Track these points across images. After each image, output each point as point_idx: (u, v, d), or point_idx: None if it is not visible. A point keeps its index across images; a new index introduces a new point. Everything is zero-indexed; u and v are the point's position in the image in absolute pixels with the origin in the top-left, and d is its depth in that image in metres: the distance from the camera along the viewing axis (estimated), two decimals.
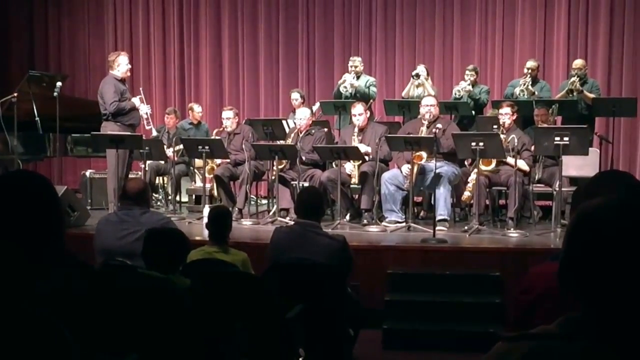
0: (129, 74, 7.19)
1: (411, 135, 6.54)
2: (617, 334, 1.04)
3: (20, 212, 1.79)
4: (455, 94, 8.20)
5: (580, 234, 1.11)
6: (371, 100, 8.16)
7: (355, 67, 8.28)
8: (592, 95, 7.68)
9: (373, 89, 8.25)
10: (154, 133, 8.22)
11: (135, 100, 7.07)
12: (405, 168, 6.57)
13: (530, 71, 8.00)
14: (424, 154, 6.50)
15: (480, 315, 5.12)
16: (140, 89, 7.91)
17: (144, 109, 7.28)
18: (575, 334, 1.04)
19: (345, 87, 8.18)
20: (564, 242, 1.14)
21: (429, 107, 6.75)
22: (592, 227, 1.09)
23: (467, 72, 8.30)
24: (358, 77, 8.27)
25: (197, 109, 9.10)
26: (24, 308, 1.58)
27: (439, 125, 6.53)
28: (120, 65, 6.97)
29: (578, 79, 7.74)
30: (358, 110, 7.03)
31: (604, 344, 1.02)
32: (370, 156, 6.84)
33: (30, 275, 1.73)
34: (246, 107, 10.36)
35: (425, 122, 6.70)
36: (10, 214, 1.79)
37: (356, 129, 7.03)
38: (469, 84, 8.15)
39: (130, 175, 7.21)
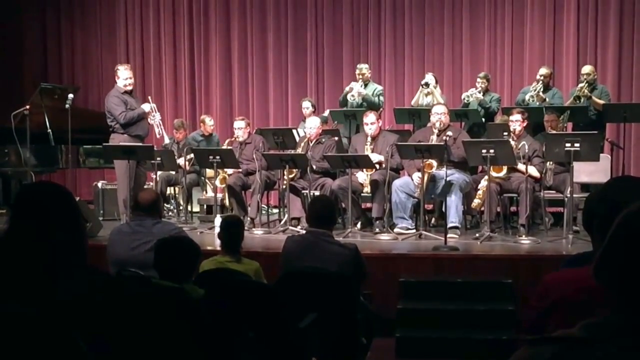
0: (130, 87, 7.05)
1: (422, 143, 6.53)
2: None
3: (45, 221, 1.83)
4: (464, 99, 8.18)
5: (624, 231, 1.10)
6: (381, 109, 8.15)
7: (363, 74, 8.26)
8: (601, 102, 7.65)
9: (381, 98, 8.22)
10: (167, 140, 8.09)
11: (145, 106, 7.08)
12: (416, 176, 6.57)
13: (542, 78, 7.97)
14: (434, 163, 6.50)
15: (492, 323, 5.10)
16: (149, 97, 7.70)
17: (156, 118, 7.25)
18: (598, 338, 1.04)
19: (352, 95, 8.17)
20: (607, 238, 1.13)
21: (439, 115, 6.73)
22: (637, 226, 1.09)
23: (478, 79, 8.29)
24: (366, 85, 8.25)
25: (209, 121, 9.03)
26: (38, 316, 1.60)
27: (450, 133, 6.53)
28: (120, 78, 6.99)
29: (587, 84, 7.72)
30: (370, 120, 7.04)
31: (629, 348, 1.02)
32: (383, 165, 6.84)
33: (51, 283, 1.75)
34: (255, 117, 10.38)
35: (436, 131, 6.70)
36: (35, 222, 1.83)
37: (369, 138, 7.04)
38: (479, 91, 8.14)
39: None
